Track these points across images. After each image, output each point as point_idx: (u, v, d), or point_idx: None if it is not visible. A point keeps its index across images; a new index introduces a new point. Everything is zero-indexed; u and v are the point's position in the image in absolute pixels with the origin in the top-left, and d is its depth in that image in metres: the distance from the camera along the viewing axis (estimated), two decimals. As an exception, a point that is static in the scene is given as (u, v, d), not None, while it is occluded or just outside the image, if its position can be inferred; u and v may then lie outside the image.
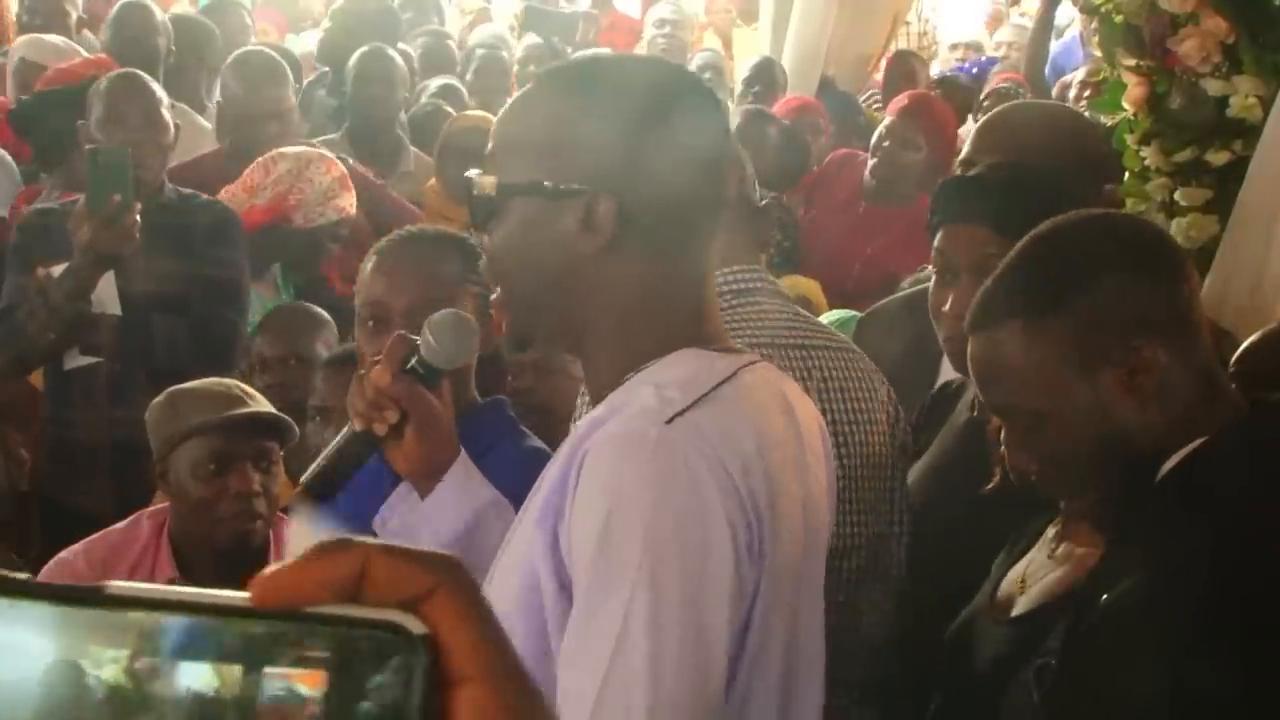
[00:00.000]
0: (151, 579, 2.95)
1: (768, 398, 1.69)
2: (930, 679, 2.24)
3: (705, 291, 1.73)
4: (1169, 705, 1.60)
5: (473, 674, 0.55)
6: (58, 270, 3.65)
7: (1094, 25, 3.49)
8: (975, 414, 2.41)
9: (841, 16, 7.11)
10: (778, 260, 5.28)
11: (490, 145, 1.73)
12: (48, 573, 2.98)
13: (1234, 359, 2.32)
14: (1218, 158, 2.97)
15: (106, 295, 3.71)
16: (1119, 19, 3.09)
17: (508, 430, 2.63)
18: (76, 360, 3.80)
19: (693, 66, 6.82)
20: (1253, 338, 2.20)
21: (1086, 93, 5.68)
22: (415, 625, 0.55)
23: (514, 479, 2.12)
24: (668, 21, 8.05)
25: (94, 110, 3.92)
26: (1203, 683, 1.57)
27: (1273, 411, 1.85)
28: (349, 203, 4.31)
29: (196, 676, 0.54)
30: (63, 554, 3.01)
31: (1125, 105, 3.11)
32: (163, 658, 0.54)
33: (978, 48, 9.28)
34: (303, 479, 1.98)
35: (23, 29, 6.15)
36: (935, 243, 2.46)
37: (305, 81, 6.02)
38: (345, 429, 1.96)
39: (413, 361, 1.91)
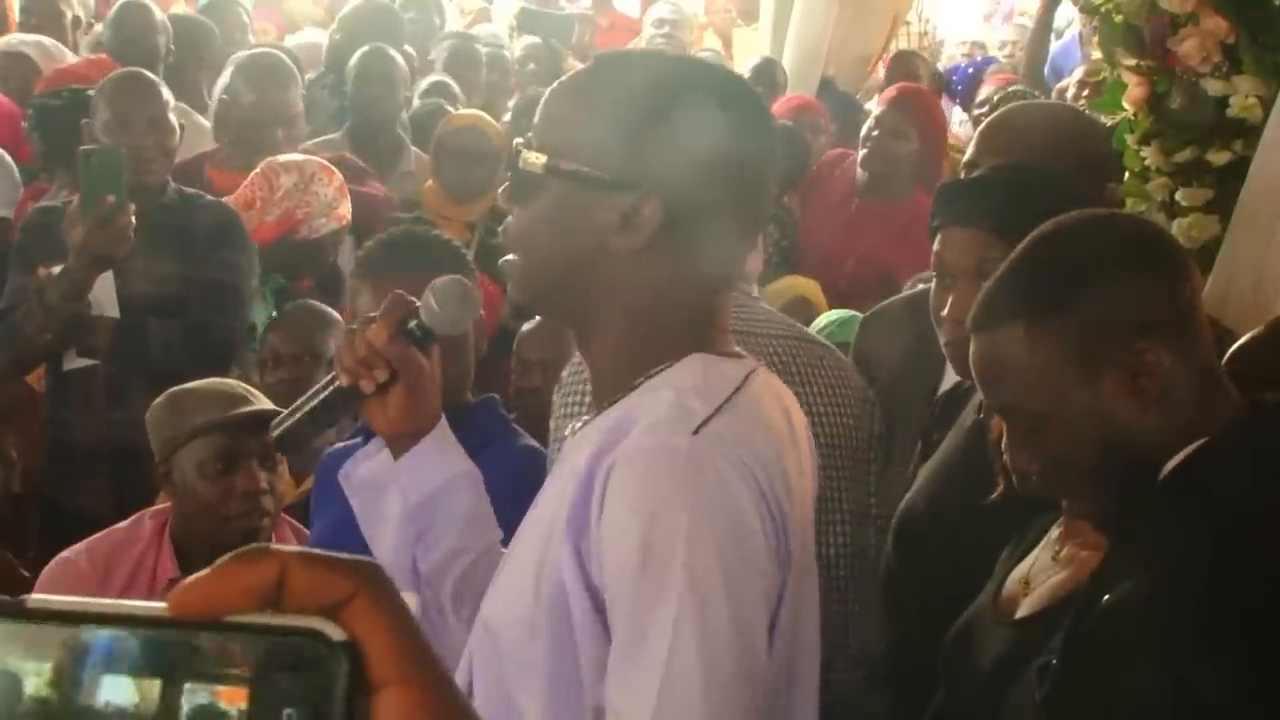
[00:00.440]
0: (154, 579, 2.96)
1: (772, 404, 1.70)
2: (932, 679, 2.24)
3: (722, 299, 1.74)
4: (1170, 707, 1.60)
5: (394, 678, 0.56)
6: (57, 270, 3.65)
7: (1094, 25, 3.49)
8: (981, 416, 2.42)
9: (841, 16, 7.10)
10: (776, 260, 5.28)
11: (539, 118, 1.70)
12: (50, 572, 2.99)
13: (1225, 360, 2.32)
14: (1218, 158, 2.97)
15: (105, 297, 3.70)
16: (1119, 19, 3.09)
17: (500, 429, 2.64)
18: (74, 362, 3.80)
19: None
20: (1243, 339, 2.20)
21: (1085, 92, 5.68)
22: (335, 632, 0.55)
23: (508, 477, 2.12)
24: (667, 21, 8.05)
25: (99, 112, 3.92)
26: (1204, 684, 1.57)
27: (1274, 412, 1.85)
28: (347, 210, 4.33)
29: (118, 690, 0.54)
30: (64, 553, 3.01)
31: (1125, 105, 3.11)
32: (86, 671, 0.54)
33: (982, 46, 9.29)
34: (272, 425, 1.94)
35: (21, 29, 6.15)
36: (935, 245, 2.46)
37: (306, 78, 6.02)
38: (323, 382, 1.91)
39: (412, 323, 1.87)
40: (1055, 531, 2.08)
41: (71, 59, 5.49)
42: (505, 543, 1.86)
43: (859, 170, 5.44)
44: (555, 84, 1.75)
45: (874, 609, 2.59)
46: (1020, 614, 2.04)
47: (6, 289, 3.86)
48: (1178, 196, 3.01)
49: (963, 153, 5.19)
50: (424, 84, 6.11)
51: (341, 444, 2.78)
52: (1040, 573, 2.06)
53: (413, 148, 5.40)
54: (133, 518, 3.08)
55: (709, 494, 1.55)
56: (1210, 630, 1.62)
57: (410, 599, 1.55)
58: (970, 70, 8.10)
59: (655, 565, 1.52)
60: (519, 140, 1.71)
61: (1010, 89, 6.35)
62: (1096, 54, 4.05)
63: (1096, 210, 2.11)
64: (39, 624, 0.55)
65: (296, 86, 4.72)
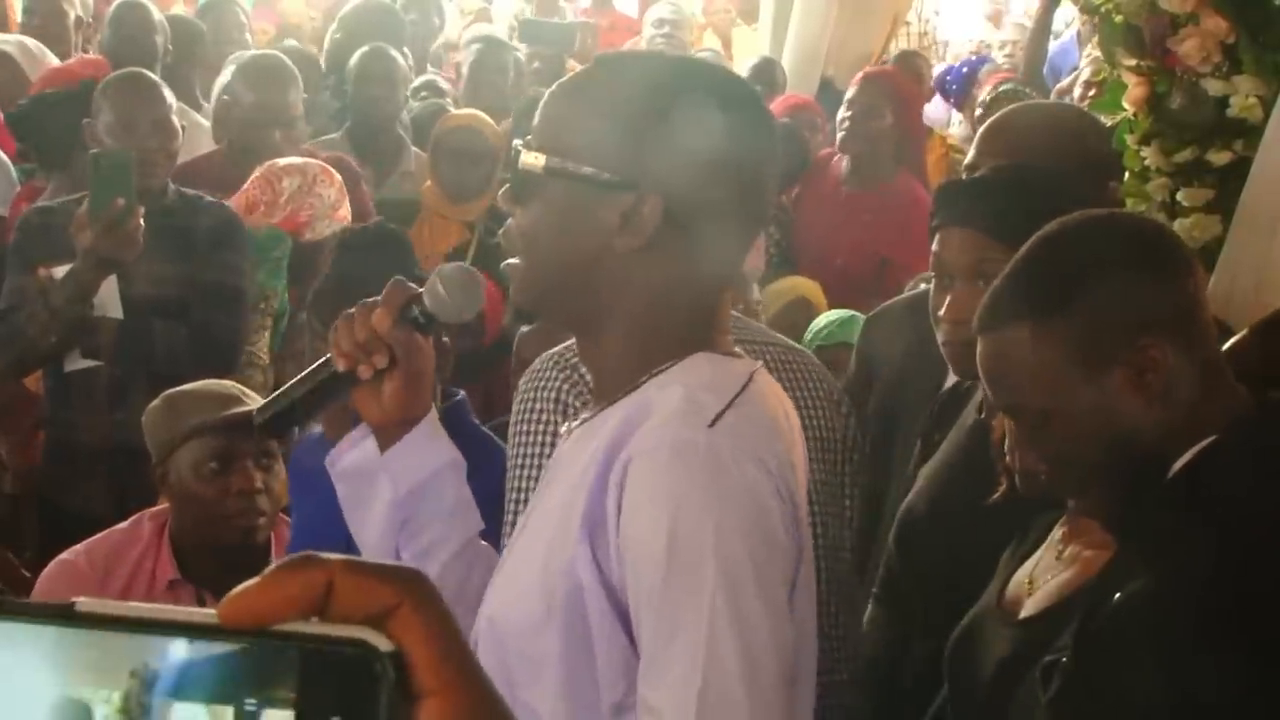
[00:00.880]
0: (153, 580, 2.96)
1: (775, 401, 1.72)
2: (934, 680, 2.24)
3: (723, 298, 1.74)
4: (1177, 706, 1.60)
5: (438, 688, 0.56)
6: (59, 271, 3.64)
7: (1094, 24, 3.49)
8: (982, 416, 2.41)
9: (841, 16, 7.11)
10: (775, 259, 5.28)
11: (539, 119, 1.70)
12: (50, 573, 2.99)
13: None
14: (1219, 158, 2.96)
15: (108, 298, 3.70)
16: (1119, 19, 3.08)
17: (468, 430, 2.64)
18: (77, 363, 3.79)
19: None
20: (1235, 338, 2.20)
21: (1091, 92, 5.67)
22: (381, 641, 0.55)
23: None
24: (666, 21, 8.03)
25: (102, 113, 3.90)
26: (1211, 684, 1.57)
27: (1278, 410, 1.86)
28: (348, 212, 4.32)
29: (187, 718, 0.54)
30: (64, 555, 3.02)
31: (1125, 105, 3.10)
32: (155, 698, 0.54)
33: (989, 47, 9.29)
34: (258, 410, 1.90)
35: (22, 30, 6.14)
36: (934, 245, 2.47)
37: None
38: (314, 366, 1.85)
39: (415, 311, 1.81)
40: (1058, 531, 2.09)
41: (54, 60, 5.47)
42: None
43: (841, 157, 5.52)
44: (555, 85, 1.76)
45: (853, 610, 2.59)
46: (1025, 614, 2.04)
47: (5, 289, 3.84)
48: (1178, 197, 3.01)
49: (962, 153, 5.20)
50: (416, 81, 6.11)
51: (311, 435, 2.78)
52: (1044, 572, 2.06)
53: (413, 148, 5.40)
54: (132, 519, 3.08)
55: (731, 485, 1.56)
56: (1218, 630, 1.62)
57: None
58: (965, 70, 8.09)
59: (685, 557, 1.53)
60: (519, 141, 1.71)
61: (1001, 88, 6.35)
62: (1096, 53, 4.05)
63: (1099, 210, 2.11)
64: (88, 629, 0.54)
65: (297, 88, 4.71)
